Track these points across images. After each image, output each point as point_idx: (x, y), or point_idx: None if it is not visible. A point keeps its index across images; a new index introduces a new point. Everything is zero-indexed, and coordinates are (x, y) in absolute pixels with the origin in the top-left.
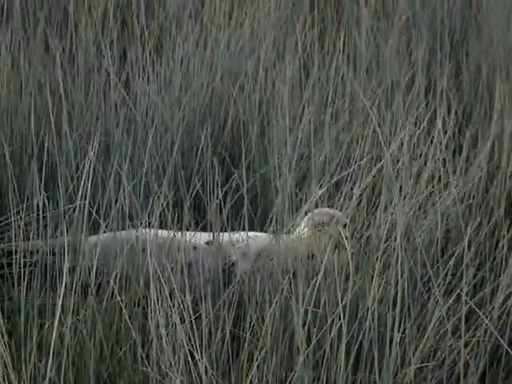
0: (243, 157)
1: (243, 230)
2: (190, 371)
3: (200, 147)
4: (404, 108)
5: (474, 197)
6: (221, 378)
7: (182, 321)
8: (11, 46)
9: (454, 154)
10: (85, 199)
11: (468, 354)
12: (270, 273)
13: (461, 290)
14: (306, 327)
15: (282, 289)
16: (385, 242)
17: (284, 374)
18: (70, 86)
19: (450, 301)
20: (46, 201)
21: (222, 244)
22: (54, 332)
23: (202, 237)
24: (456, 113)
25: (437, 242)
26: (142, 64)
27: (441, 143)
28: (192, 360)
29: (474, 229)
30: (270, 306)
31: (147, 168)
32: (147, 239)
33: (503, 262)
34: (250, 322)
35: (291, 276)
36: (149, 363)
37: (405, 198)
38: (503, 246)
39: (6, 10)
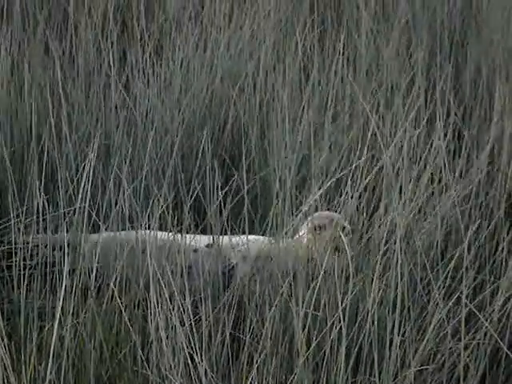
0: (243, 159)
1: (243, 232)
2: (190, 374)
3: (200, 149)
4: (404, 110)
5: (473, 199)
6: (221, 381)
7: (182, 323)
8: (11, 48)
9: (454, 156)
10: (85, 201)
11: (468, 356)
12: (269, 275)
13: (461, 292)
14: (306, 330)
15: (282, 291)
16: (384, 245)
17: (284, 377)
18: (69, 88)
19: (450, 303)
20: (46, 203)
21: (222, 247)
22: (54, 334)
23: (202, 239)
24: (456, 115)
25: (437, 245)
26: (141, 66)
27: (440, 145)
28: (192, 362)
29: (473, 231)
30: (269, 309)
31: (147, 170)
32: (147, 240)
33: (503, 265)
34: (250, 325)
35: (291, 279)
36: (149, 366)
37: (405, 200)
38: (503, 248)
39: (6, 11)
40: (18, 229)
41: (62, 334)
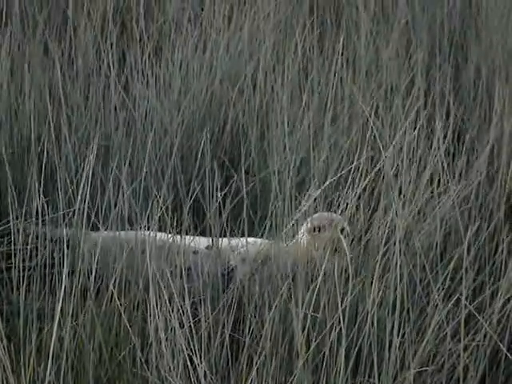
0: (242, 160)
1: (243, 233)
2: (190, 375)
3: (199, 150)
4: (403, 111)
5: (473, 201)
6: (220, 382)
7: (182, 325)
8: (11, 49)
9: (454, 157)
10: (84, 203)
11: (467, 357)
12: (269, 277)
13: (460, 293)
14: (306, 331)
15: (282, 293)
16: (384, 246)
17: (283, 378)
18: (69, 90)
19: (450, 305)
20: (46, 204)
21: (221, 249)
22: (53, 336)
23: (202, 241)
24: (455, 116)
25: (436, 246)
26: (141, 67)
27: (440, 147)
28: (191, 364)
29: (473, 233)
30: (269, 310)
31: (146, 171)
32: (146, 241)
33: (503, 266)
34: (250, 326)
35: (291, 280)
36: (148, 367)
37: (404, 201)
38: (503, 250)
39: (6, 13)
40: (18, 230)
41: (62, 336)
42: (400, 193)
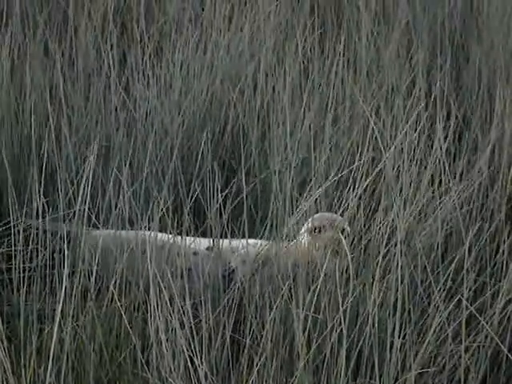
0: (243, 161)
1: (243, 234)
2: (190, 377)
3: (200, 151)
4: (404, 112)
5: (474, 202)
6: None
7: (182, 326)
8: (11, 50)
9: (455, 158)
10: (84, 204)
11: (469, 359)
12: (269, 278)
13: (461, 295)
14: (307, 332)
15: (282, 294)
16: (385, 247)
17: (284, 380)
18: (69, 90)
19: (451, 306)
20: (46, 205)
21: (222, 250)
22: (54, 337)
23: (203, 242)
24: (456, 117)
25: (437, 247)
26: (141, 68)
27: (441, 147)
28: (192, 365)
29: (474, 234)
30: (270, 311)
31: (147, 172)
32: (147, 241)
33: (504, 267)
34: (250, 327)
35: (291, 281)
36: (149, 368)
37: (405, 202)
38: (504, 251)
39: (6, 13)
40: (18, 231)
41: (62, 337)
42: (401, 193)
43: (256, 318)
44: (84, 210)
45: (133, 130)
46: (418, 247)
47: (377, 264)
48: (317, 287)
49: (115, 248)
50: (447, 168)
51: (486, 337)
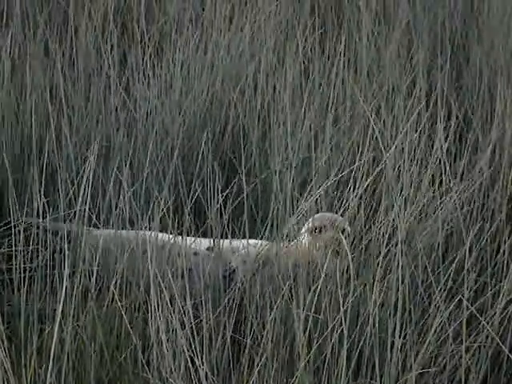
0: (244, 161)
1: (244, 235)
2: (191, 377)
3: (200, 152)
4: (405, 112)
5: (475, 202)
6: None
7: (183, 326)
8: (11, 50)
9: (455, 158)
10: (85, 204)
11: (469, 359)
12: (270, 278)
13: (462, 295)
14: (307, 332)
15: (283, 294)
16: (386, 247)
17: (285, 380)
18: (70, 90)
19: (452, 306)
20: (46, 206)
21: (222, 250)
22: (55, 337)
23: (203, 243)
24: (457, 117)
25: (438, 247)
26: (142, 68)
27: (442, 147)
28: (192, 365)
29: (475, 234)
30: (270, 312)
31: (147, 172)
32: (147, 241)
33: (504, 268)
34: (251, 328)
35: (292, 281)
36: (149, 369)
37: (406, 202)
38: (504, 251)
39: (6, 14)
40: (18, 231)
41: (63, 337)
42: (401, 193)
43: (256, 318)
44: (84, 210)
45: (133, 130)
46: (418, 247)
47: (377, 264)
48: (317, 287)
49: (116, 248)
50: (448, 168)
51: (487, 337)
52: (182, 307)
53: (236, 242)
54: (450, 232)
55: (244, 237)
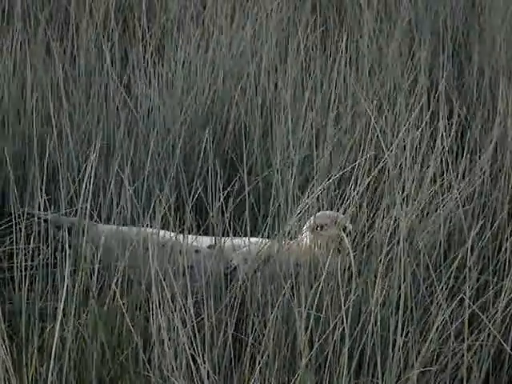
0: (245, 159)
1: (245, 232)
2: (192, 375)
3: (202, 150)
4: (406, 110)
5: (477, 199)
6: (223, 382)
7: (184, 324)
8: (12, 48)
9: (457, 156)
10: (86, 202)
11: (471, 357)
12: (271, 276)
13: (464, 293)
14: (309, 331)
15: (284, 292)
16: (387, 245)
17: (286, 378)
18: (71, 88)
19: (453, 304)
20: (48, 204)
21: (223, 248)
22: (56, 335)
23: (204, 240)
24: (458, 115)
25: (440, 245)
26: (143, 66)
27: (443, 145)
28: (194, 364)
29: (477, 232)
30: (272, 310)
31: (149, 171)
32: (149, 239)
33: (506, 266)
34: (252, 326)
35: (293, 279)
36: (150, 367)
37: (407, 200)
38: (506, 249)
39: (7, 11)
40: (20, 229)
41: (64, 336)
42: (403, 191)
43: (258, 316)
44: (86, 208)
45: (134, 128)
46: (420, 245)
47: (379, 262)
48: (319, 285)
49: (117, 244)
50: (449, 166)
51: (489, 335)
52: (184, 305)
53: (237, 240)
54: (452, 230)
55: (245, 235)
